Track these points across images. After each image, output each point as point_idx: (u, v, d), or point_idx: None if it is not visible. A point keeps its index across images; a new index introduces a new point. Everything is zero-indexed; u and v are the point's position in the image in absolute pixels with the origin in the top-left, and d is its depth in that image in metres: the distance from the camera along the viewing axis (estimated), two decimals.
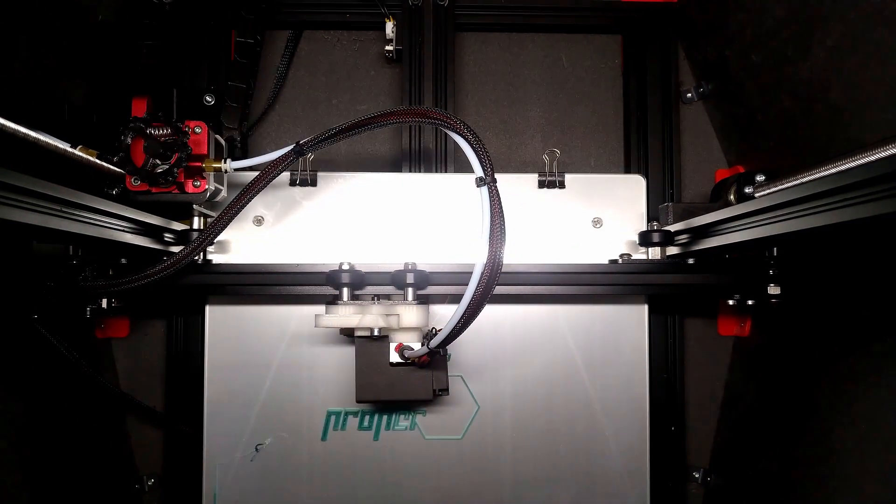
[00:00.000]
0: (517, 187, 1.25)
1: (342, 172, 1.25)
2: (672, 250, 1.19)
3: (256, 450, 1.21)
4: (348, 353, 1.15)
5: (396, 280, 1.11)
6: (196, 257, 1.01)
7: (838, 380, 1.02)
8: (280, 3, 1.37)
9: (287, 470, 1.22)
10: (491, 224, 0.84)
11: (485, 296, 0.84)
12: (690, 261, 1.15)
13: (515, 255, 1.22)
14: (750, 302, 1.15)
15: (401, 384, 1.05)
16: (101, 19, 1.12)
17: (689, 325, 1.38)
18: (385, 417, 1.23)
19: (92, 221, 0.85)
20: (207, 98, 1.26)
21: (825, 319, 1.09)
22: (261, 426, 1.22)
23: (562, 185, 1.26)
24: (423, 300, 1.10)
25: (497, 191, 0.85)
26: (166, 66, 1.28)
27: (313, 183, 1.24)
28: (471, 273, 0.83)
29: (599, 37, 1.45)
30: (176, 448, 1.28)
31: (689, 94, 1.40)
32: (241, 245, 1.22)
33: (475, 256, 0.83)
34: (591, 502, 1.24)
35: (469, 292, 0.84)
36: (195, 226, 1.11)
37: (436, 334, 0.92)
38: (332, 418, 1.23)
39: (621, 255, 1.20)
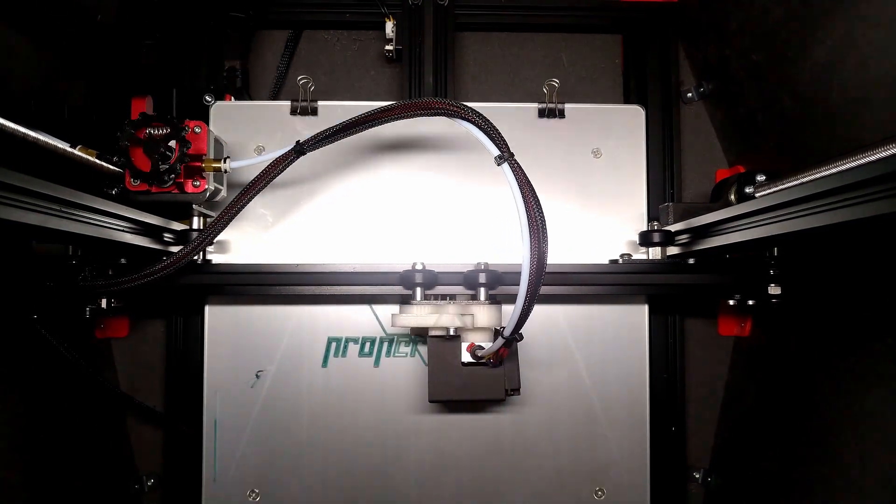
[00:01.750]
0: (517, 117, 1.27)
1: (343, 101, 1.25)
2: (672, 250, 1.19)
3: (257, 377, 1.21)
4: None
5: (468, 280, 1.10)
6: (196, 257, 1.01)
7: (838, 380, 1.02)
8: (279, 3, 1.37)
9: (287, 397, 1.22)
10: (524, 199, 0.83)
11: (541, 269, 0.83)
12: (691, 261, 1.15)
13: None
14: (750, 302, 1.15)
15: (473, 384, 1.04)
16: (101, 19, 1.12)
17: (690, 325, 1.38)
18: (386, 344, 1.23)
19: (91, 221, 0.85)
20: (207, 98, 1.26)
21: (825, 319, 1.09)
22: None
23: (561, 115, 1.26)
24: (494, 300, 1.09)
25: (519, 165, 0.84)
26: (166, 66, 1.28)
27: (314, 112, 1.24)
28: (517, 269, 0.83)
29: (599, 36, 1.45)
30: (176, 448, 1.27)
31: (689, 94, 1.40)
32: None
33: (516, 245, 0.83)
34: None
35: (525, 271, 0.83)
36: (195, 226, 1.11)
37: (503, 329, 0.92)
38: (333, 345, 1.22)
39: (621, 255, 1.20)
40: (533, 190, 0.84)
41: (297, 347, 1.22)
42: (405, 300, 1.08)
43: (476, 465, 1.23)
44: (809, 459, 1.05)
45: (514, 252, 1.23)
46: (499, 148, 0.85)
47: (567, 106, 1.27)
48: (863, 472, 0.93)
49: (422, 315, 1.01)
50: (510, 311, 0.89)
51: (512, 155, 0.85)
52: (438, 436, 1.23)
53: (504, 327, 0.93)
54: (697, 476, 1.36)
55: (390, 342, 1.22)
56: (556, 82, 1.25)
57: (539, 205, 0.83)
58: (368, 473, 1.22)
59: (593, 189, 1.26)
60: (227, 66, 1.32)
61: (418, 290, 1.08)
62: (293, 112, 1.24)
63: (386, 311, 1.23)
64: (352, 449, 1.22)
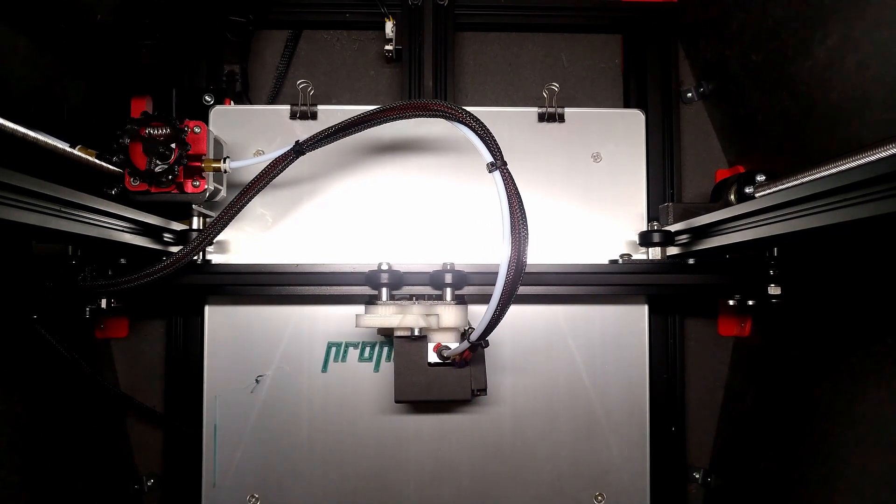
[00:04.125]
0: (517, 121, 1.26)
1: (343, 106, 1.25)
2: (672, 250, 1.19)
3: (257, 381, 1.21)
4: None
5: (434, 280, 1.10)
6: (195, 257, 1.01)
7: (838, 380, 1.02)
8: (279, 3, 1.37)
9: (287, 402, 1.22)
10: (510, 208, 0.83)
11: (517, 278, 0.83)
12: (691, 261, 1.15)
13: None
14: (750, 302, 1.15)
15: (439, 384, 1.03)
16: (101, 19, 1.12)
17: (689, 325, 1.38)
18: (385, 349, 1.22)
19: (91, 221, 0.85)
20: (207, 98, 1.25)
21: (825, 319, 1.09)
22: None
23: (561, 119, 1.26)
24: (461, 300, 1.09)
25: (510, 174, 0.84)
26: (166, 66, 1.28)
27: (314, 116, 1.24)
28: (496, 272, 0.83)
29: (599, 37, 1.45)
30: (175, 448, 1.28)
31: (689, 94, 1.40)
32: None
33: (499, 248, 0.82)
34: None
35: (500, 279, 0.83)
36: (194, 226, 1.11)
37: (472, 331, 0.91)
38: (333, 350, 1.22)
39: (621, 255, 1.20)
40: (520, 200, 0.83)
41: (296, 349, 1.22)
42: (371, 300, 1.07)
43: (475, 469, 1.23)
44: (809, 460, 1.05)
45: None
46: (493, 155, 0.85)
47: (567, 110, 1.27)
48: (862, 472, 0.93)
49: (386, 315, 1.00)
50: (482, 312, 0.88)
51: (505, 164, 0.85)
52: (438, 441, 1.23)
53: (471, 328, 0.92)
54: (697, 476, 1.36)
55: (390, 347, 1.22)
56: (555, 86, 1.24)
57: (524, 215, 0.83)
58: (368, 478, 1.22)
59: (593, 193, 1.26)
60: (227, 70, 1.32)
61: (384, 290, 1.07)
62: (293, 116, 1.24)
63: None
64: (352, 453, 1.22)
